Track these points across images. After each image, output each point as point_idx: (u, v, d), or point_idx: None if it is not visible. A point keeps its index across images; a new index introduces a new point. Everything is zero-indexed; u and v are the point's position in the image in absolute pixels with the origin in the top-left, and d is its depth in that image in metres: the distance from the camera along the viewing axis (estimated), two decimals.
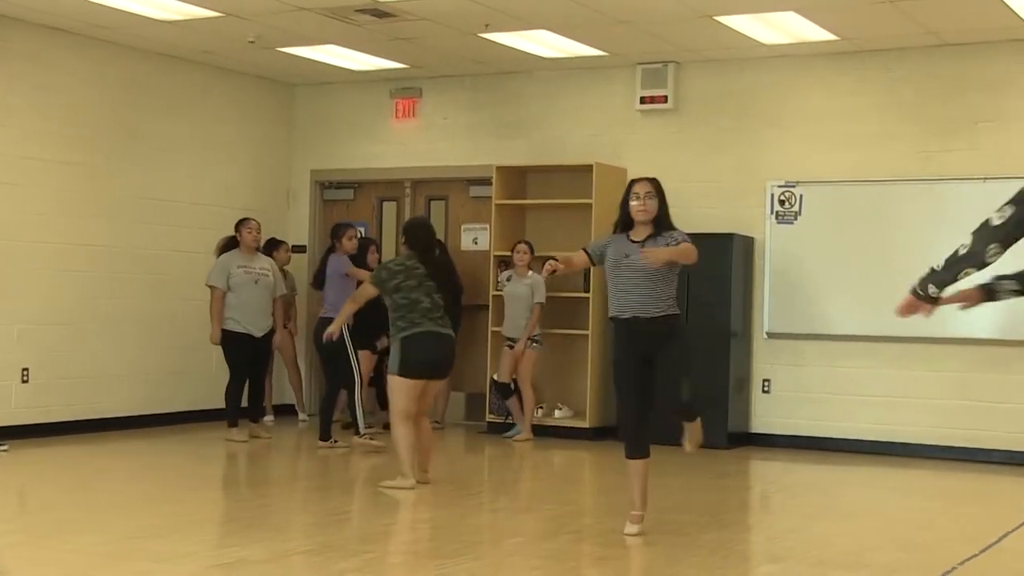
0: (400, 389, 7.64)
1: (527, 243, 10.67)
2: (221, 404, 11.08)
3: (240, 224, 10.24)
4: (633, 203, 6.38)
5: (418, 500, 7.59)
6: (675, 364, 6.45)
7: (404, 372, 7.61)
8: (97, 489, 7.86)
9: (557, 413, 10.93)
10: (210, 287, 10.02)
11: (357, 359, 9.62)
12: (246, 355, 10.01)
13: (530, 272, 10.47)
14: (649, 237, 6.41)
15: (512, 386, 10.59)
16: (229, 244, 10.23)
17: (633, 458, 6.52)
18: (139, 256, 10.91)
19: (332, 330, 8.48)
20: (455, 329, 8.12)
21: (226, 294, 9.96)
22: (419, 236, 8.00)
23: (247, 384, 10.17)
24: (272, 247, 11.15)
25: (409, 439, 7.71)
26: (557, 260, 6.33)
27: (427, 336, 7.62)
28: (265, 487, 8.60)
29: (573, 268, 6.72)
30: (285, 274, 11.13)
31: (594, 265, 6.65)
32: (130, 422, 10.71)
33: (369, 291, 7.89)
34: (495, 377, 10.71)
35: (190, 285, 11.23)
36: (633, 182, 6.48)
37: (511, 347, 10.53)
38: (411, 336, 7.60)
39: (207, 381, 11.23)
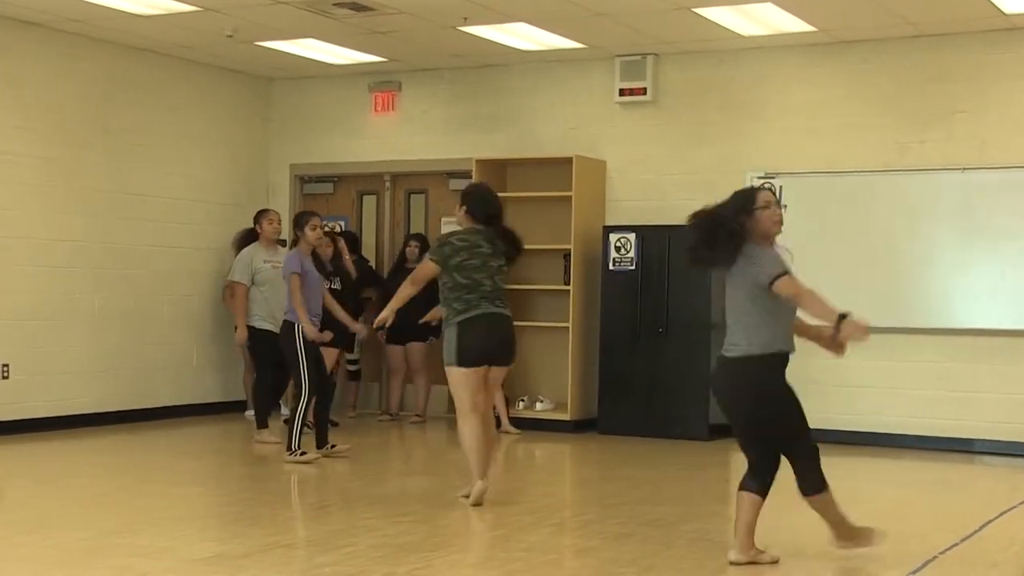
0: (460, 382, 6.90)
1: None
2: (202, 399, 11.12)
3: (260, 215, 9.89)
4: (768, 211, 5.48)
5: (399, 495, 7.59)
6: None
7: (462, 360, 6.88)
8: (77, 484, 7.84)
9: (538, 406, 10.94)
10: (233, 283, 9.62)
11: (307, 366, 8.56)
12: (275, 353, 9.15)
13: None
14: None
15: None
16: (247, 237, 9.91)
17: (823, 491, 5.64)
18: (118, 251, 10.86)
19: (385, 315, 7.16)
20: None
21: (250, 290, 9.58)
22: (482, 205, 7.15)
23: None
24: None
25: (477, 436, 6.91)
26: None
27: (484, 318, 6.90)
28: (245, 482, 8.57)
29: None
30: None
31: None
32: (110, 418, 10.66)
33: (430, 269, 7.00)
34: None
35: (170, 280, 11.21)
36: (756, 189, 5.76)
37: None
38: (468, 320, 6.87)
39: (188, 376, 11.20)
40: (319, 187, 12.46)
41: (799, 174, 10.24)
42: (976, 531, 6.53)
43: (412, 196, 12.15)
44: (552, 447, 10.18)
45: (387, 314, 7.14)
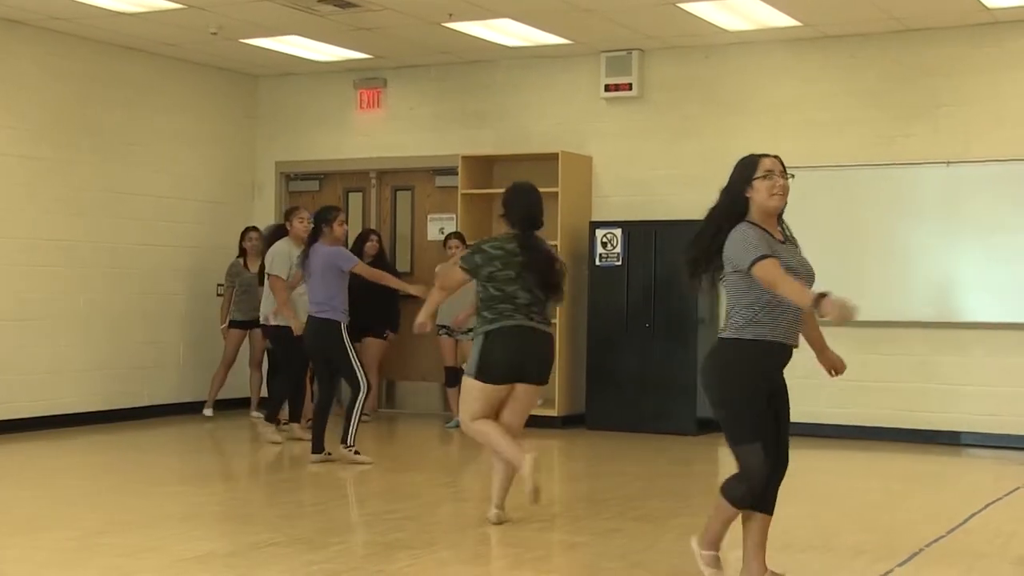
0: (475, 395, 6.28)
1: (459, 237, 10.60)
2: (189, 398, 11.08)
3: (291, 213, 9.56)
4: (767, 182, 4.87)
5: (388, 491, 7.59)
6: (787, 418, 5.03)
7: (481, 374, 6.24)
8: (64, 484, 7.82)
9: None
10: (273, 277, 9.27)
11: (359, 360, 8.45)
12: (300, 352, 8.99)
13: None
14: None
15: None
16: (277, 233, 9.65)
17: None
18: (105, 250, 10.83)
19: (422, 320, 6.65)
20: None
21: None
22: (518, 209, 6.43)
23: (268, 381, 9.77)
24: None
25: (493, 424, 6.31)
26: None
27: (515, 331, 6.23)
28: (233, 481, 8.57)
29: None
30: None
31: None
32: (97, 417, 10.64)
33: (459, 276, 6.43)
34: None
35: (157, 278, 11.18)
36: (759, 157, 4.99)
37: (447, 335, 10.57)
38: (495, 331, 6.23)
39: (175, 375, 11.18)
40: (305, 184, 12.44)
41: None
42: (962, 523, 6.56)
43: (398, 193, 12.14)
44: (540, 443, 10.11)
45: (424, 319, 6.62)
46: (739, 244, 4.80)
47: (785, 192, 4.90)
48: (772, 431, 4.84)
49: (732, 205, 4.93)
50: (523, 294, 6.25)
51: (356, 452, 8.38)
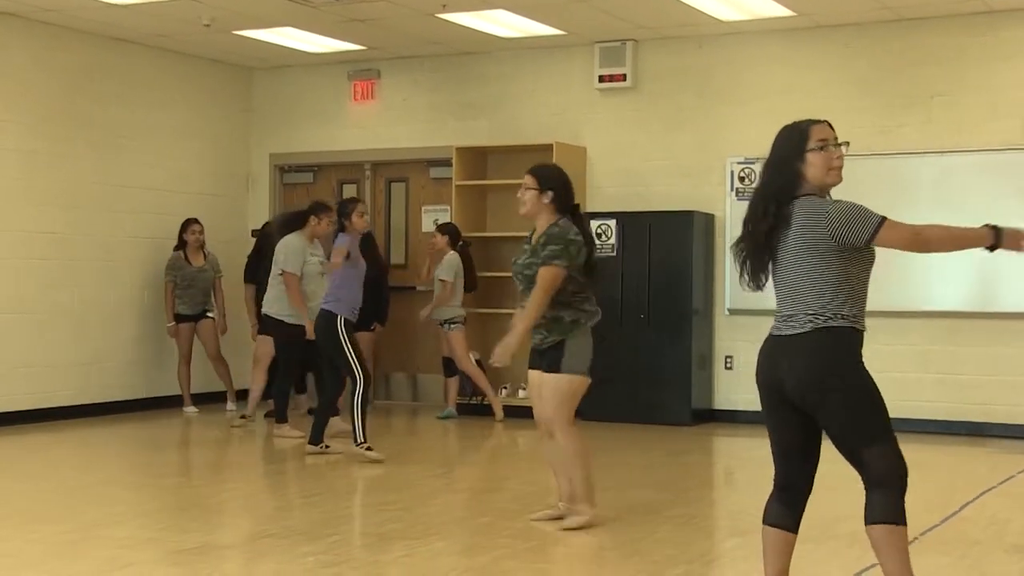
0: (580, 393, 6.19)
1: (447, 231, 10.61)
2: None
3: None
4: (823, 154, 4.17)
5: (383, 482, 7.59)
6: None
7: (586, 368, 6.11)
8: (60, 477, 7.81)
9: (521, 393, 10.93)
10: (288, 274, 9.09)
11: (357, 353, 8.24)
12: (305, 351, 9.06)
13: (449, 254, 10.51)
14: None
15: (453, 366, 10.70)
16: (290, 224, 9.25)
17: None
18: (98, 243, 10.81)
19: (522, 330, 6.14)
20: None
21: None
22: (568, 193, 6.14)
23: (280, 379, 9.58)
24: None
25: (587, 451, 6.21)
26: None
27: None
28: (229, 473, 8.57)
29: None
30: (206, 255, 11.06)
31: None
32: (93, 410, 10.63)
33: (561, 276, 5.97)
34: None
35: (150, 272, 11.16)
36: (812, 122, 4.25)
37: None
38: (590, 323, 6.10)
39: (169, 369, 11.16)
40: (299, 176, 12.43)
41: None
42: (957, 511, 6.59)
43: (393, 185, 12.13)
44: (536, 434, 10.14)
45: (526, 327, 6.13)
46: (850, 213, 4.10)
47: (843, 166, 4.23)
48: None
49: (784, 184, 4.13)
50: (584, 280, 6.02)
51: (368, 448, 8.19)
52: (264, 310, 9.53)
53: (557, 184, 6.05)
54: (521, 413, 10.74)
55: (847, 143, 4.23)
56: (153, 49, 11.29)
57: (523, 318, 6.05)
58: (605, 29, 10.47)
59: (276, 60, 11.91)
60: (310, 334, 8.74)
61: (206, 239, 11.10)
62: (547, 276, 5.93)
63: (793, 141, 4.17)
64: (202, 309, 10.95)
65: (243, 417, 10.15)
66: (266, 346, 10.00)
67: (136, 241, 11.14)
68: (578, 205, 6.16)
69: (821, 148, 4.14)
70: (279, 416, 9.47)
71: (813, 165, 4.14)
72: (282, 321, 9.32)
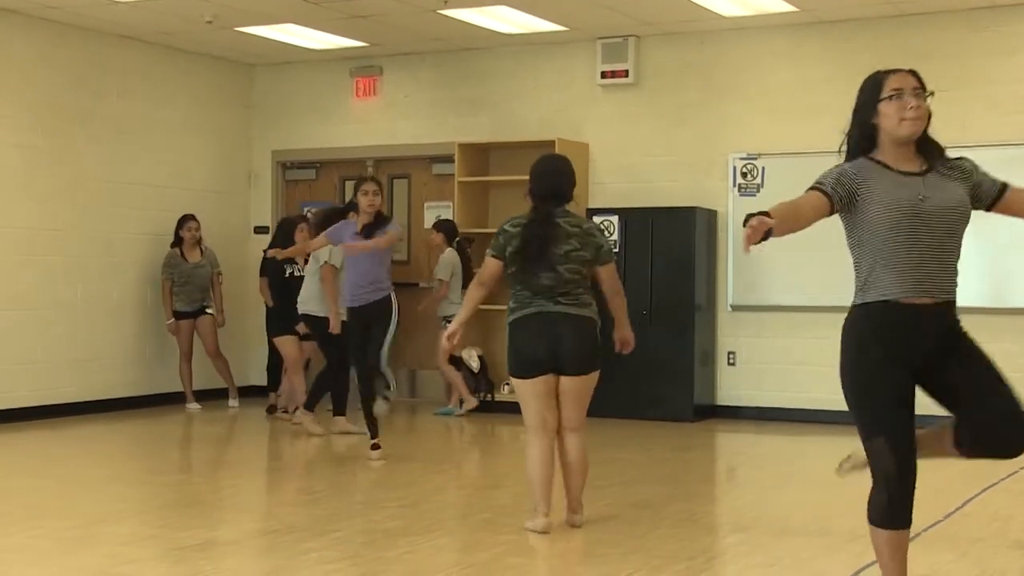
0: (519, 394, 5.85)
1: (443, 228, 10.64)
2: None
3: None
4: (895, 103, 4.00)
5: (385, 479, 7.60)
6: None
7: (512, 369, 5.85)
8: (62, 474, 7.82)
9: None
10: (328, 266, 9.07)
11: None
12: (341, 340, 8.88)
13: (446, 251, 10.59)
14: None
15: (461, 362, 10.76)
16: (332, 217, 8.93)
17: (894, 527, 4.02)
18: (100, 239, 10.82)
19: (453, 329, 5.91)
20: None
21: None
22: (539, 181, 5.98)
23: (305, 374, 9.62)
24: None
25: (541, 461, 5.82)
26: (767, 217, 4.03)
27: (532, 319, 5.74)
28: (231, 469, 8.57)
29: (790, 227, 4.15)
30: (203, 251, 11.04)
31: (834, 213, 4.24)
32: (96, 407, 10.63)
33: (493, 266, 5.83)
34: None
35: (151, 268, 11.16)
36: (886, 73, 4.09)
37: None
38: (515, 321, 5.80)
39: (170, 365, 11.17)
40: (301, 173, 12.43)
41: (782, 155, 10.23)
42: (959, 507, 6.57)
43: (395, 181, 12.13)
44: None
45: (456, 327, 5.91)
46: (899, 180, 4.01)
47: (921, 116, 4.00)
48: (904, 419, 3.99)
49: (860, 138, 4.11)
50: (546, 274, 5.72)
51: (376, 447, 8.21)
52: (302, 309, 9.28)
53: (531, 174, 6.03)
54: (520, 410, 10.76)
55: (932, 93, 4.01)
56: (155, 46, 11.29)
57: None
58: (607, 25, 10.46)
59: (278, 57, 11.91)
60: (336, 328, 8.80)
61: (207, 235, 11.10)
62: (483, 265, 5.92)
63: (868, 92, 4.08)
64: (200, 305, 10.96)
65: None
66: (292, 348, 9.90)
67: (138, 237, 11.15)
68: (563, 194, 5.93)
69: (893, 97, 3.99)
70: (337, 408, 9.31)
71: (886, 116, 4.00)
72: (322, 318, 9.11)
